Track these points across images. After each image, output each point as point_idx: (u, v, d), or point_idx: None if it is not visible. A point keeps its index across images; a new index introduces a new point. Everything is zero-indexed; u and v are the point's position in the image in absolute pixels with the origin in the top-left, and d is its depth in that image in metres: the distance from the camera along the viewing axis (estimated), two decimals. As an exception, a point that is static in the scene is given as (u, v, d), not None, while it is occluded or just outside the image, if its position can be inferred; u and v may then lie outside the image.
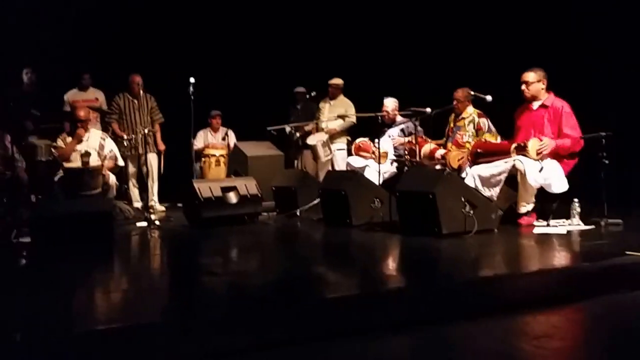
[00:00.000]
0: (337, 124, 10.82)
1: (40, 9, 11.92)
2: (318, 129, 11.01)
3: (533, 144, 7.08)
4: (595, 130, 7.17)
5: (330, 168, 10.65)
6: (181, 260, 6.53)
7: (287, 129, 11.05)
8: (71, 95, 11.09)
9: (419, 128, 8.72)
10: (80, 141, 8.97)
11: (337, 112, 10.89)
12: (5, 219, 8.21)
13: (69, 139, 9.00)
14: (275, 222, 8.79)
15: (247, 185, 8.61)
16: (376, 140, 8.80)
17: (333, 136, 10.78)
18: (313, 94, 11.06)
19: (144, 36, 12.57)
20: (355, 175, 8.25)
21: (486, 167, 7.33)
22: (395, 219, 7.43)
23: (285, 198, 9.23)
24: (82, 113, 9.09)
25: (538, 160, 7.06)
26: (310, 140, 10.57)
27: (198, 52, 12.88)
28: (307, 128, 11.16)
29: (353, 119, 10.84)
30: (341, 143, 10.90)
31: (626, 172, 8.87)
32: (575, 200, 7.09)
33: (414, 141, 8.31)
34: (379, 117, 9.10)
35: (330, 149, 10.50)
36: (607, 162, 7.02)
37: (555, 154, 7.20)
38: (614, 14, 8.99)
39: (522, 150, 7.13)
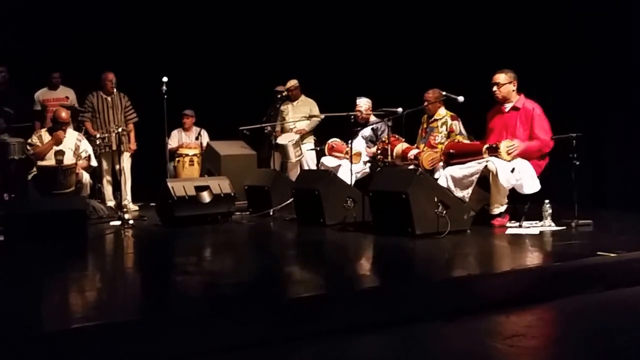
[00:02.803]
0: (304, 124, 10.82)
1: (11, 7, 11.81)
2: (285, 130, 10.99)
3: (505, 145, 7.13)
4: (566, 131, 7.23)
5: (299, 168, 10.67)
6: (155, 260, 6.52)
7: (268, 128, 11.05)
8: (41, 93, 10.96)
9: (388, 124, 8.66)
10: (58, 143, 8.93)
11: (301, 112, 10.87)
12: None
13: (45, 136, 8.96)
14: (249, 222, 8.79)
15: (221, 185, 8.61)
16: (349, 141, 8.80)
17: (302, 136, 10.76)
18: (284, 93, 11.05)
19: (116, 34, 12.49)
20: (328, 175, 8.25)
21: (459, 168, 7.36)
22: (368, 219, 7.47)
23: (259, 197, 9.23)
24: (64, 115, 9.07)
25: (510, 161, 7.12)
26: (281, 140, 10.55)
27: (171, 51, 12.84)
28: (278, 128, 11.14)
29: (318, 116, 10.82)
30: (309, 143, 10.88)
31: (596, 173, 8.96)
32: (547, 201, 7.15)
33: (386, 141, 8.30)
34: (352, 117, 9.07)
35: (301, 149, 10.48)
36: (577, 163, 7.06)
37: (526, 155, 7.26)
38: (581, 13, 9.05)
39: (494, 151, 7.17)
